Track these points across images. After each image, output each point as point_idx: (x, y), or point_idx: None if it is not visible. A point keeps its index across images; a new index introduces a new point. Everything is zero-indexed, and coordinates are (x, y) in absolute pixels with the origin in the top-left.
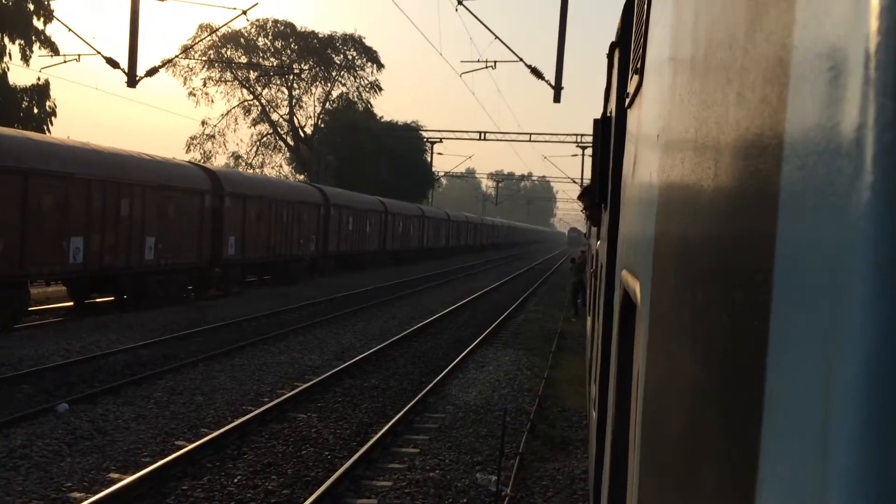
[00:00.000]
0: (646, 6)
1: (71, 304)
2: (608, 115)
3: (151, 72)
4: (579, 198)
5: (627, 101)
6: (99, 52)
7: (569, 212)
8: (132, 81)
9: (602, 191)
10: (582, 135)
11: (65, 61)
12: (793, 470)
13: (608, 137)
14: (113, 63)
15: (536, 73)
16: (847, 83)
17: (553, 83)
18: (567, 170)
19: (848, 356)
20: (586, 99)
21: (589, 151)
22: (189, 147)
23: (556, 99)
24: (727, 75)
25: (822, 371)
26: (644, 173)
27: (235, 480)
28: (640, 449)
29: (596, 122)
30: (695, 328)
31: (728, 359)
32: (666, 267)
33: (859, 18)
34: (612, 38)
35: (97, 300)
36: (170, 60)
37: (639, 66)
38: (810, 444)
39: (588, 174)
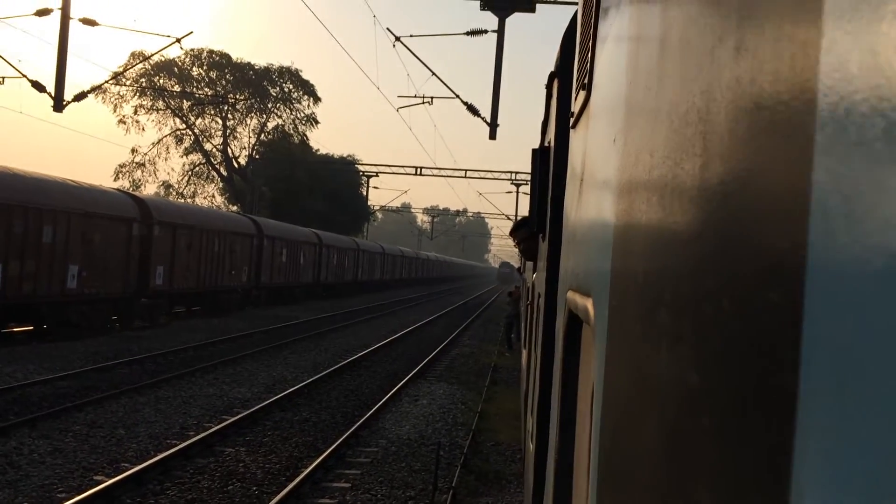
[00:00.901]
0: (592, 20)
1: None
2: (546, 145)
3: (79, 97)
4: (512, 234)
5: (572, 120)
6: (24, 76)
7: (503, 248)
8: (59, 106)
9: (541, 220)
10: (517, 172)
11: None
12: (849, 487)
13: (547, 166)
14: (39, 87)
15: (472, 109)
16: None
17: (489, 120)
18: (502, 207)
19: None
20: (521, 137)
21: (524, 189)
22: (118, 175)
23: (492, 136)
24: (689, 71)
25: None
26: (597, 184)
27: None
28: (599, 466)
29: (534, 151)
30: (684, 337)
31: (740, 364)
32: (630, 278)
33: None
34: (545, 79)
35: (15, 329)
36: (99, 86)
37: (586, 81)
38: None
39: (522, 211)
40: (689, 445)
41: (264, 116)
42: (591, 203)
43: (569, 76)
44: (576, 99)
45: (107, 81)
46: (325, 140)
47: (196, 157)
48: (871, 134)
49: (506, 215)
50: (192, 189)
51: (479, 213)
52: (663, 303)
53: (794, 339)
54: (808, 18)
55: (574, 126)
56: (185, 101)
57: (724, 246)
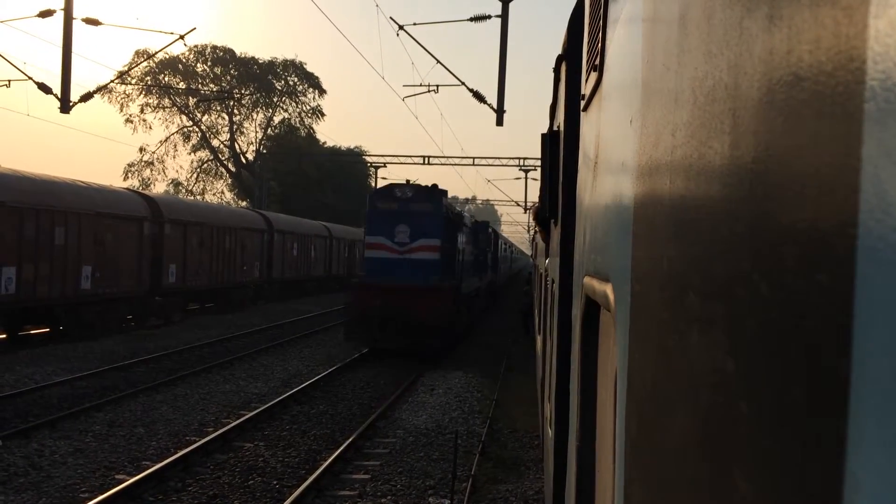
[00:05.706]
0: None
1: (3, 336)
2: (556, 128)
3: (86, 97)
4: (536, 222)
5: (583, 103)
6: (30, 78)
7: (513, 234)
8: (65, 107)
9: (553, 205)
10: (525, 158)
11: None
12: None
13: (557, 150)
14: (45, 88)
15: (478, 96)
16: None
17: (495, 107)
18: (511, 193)
19: None
20: (529, 122)
21: (532, 175)
22: (127, 174)
23: (499, 122)
24: (714, 45)
25: None
26: (613, 167)
27: None
28: (626, 451)
29: (544, 136)
30: (718, 322)
31: (784, 349)
32: (654, 262)
33: None
34: (552, 63)
35: (31, 332)
36: (105, 86)
37: (597, 62)
38: None
39: (532, 197)
40: (726, 431)
41: (270, 110)
42: (608, 186)
43: (578, 58)
44: (586, 81)
45: (112, 81)
46: (331, 132)
47: (204, 154)
48: None
49: (515, 202)
50: (202, 186)
51: (487, 200)
52: (693, 287)
53: (844, 321)
54: None
55: (585, 109)
56: (190, 97)
57: (761, 227)
